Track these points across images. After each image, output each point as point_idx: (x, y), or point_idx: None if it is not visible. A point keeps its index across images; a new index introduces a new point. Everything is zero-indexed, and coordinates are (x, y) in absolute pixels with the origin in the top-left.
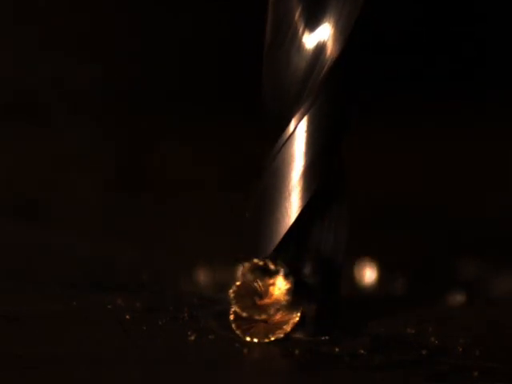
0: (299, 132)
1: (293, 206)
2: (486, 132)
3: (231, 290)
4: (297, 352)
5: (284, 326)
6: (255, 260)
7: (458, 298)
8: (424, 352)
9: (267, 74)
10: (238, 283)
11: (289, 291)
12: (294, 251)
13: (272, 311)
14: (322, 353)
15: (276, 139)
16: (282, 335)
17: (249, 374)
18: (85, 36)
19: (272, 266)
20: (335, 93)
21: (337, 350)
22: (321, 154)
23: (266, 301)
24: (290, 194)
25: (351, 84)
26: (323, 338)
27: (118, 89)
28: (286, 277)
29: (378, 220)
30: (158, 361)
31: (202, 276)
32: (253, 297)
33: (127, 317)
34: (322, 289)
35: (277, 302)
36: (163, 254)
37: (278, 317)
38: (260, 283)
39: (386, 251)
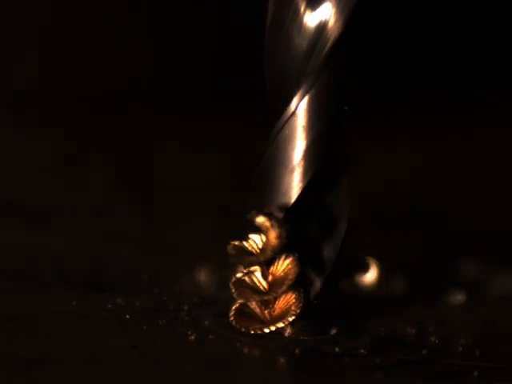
0: (300, 111)
1: (294, 183)
2: (486, 133)
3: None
4: (297, 352)
5: (283, 318)
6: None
7: (458, 297)
8: (424, 352)
9: (269, 53)
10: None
11: (279, 234)
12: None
13: (269, 253)
14: (322, 353)
15: (278, 118)
16: (281, 325)
17: (249, 374)
18: (85, 36)
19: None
20: (336, 71)
21: (337, 349)
22: (322, 133)
23: (263, 246)
24: (291, 173)
25: (353, 62)
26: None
27: (118, 89)
28: (274, 226)
29: (378, 220)
30: (157, 361)
31: (202, 276)
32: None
33: (127, 317)
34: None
35: (271, 245)
36: (163, 254)
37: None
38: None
39: (386, 251)
